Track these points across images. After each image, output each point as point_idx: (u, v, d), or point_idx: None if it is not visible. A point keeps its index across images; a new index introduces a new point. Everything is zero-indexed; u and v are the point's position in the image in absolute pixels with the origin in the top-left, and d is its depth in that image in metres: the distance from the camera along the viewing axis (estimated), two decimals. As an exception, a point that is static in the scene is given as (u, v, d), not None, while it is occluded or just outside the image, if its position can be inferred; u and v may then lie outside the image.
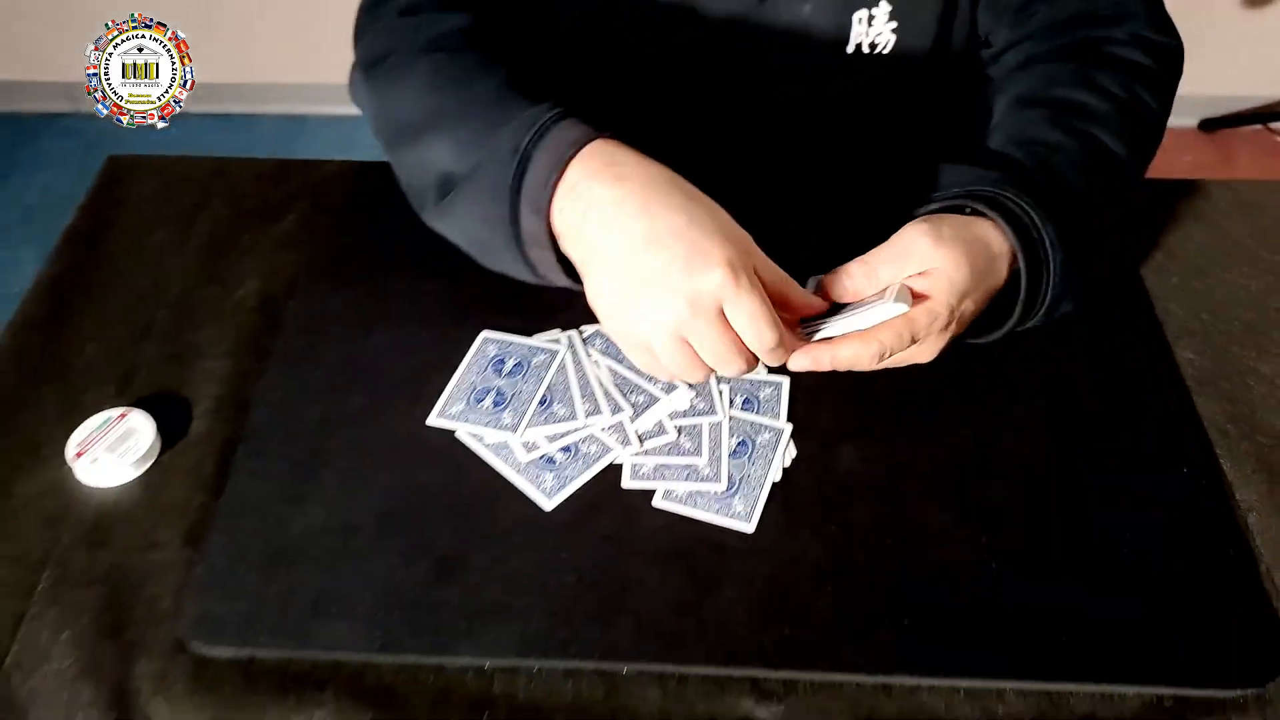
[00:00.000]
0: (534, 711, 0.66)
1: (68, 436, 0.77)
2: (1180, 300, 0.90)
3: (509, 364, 0.81)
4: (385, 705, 0.66)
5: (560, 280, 0.75)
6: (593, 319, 0.74)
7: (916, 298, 0.73)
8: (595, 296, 0.71)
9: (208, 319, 0.88)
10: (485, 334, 0.84)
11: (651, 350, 0.69)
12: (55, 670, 0.67)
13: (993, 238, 0.77)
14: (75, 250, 0.93)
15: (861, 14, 0.94)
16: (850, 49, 0.96)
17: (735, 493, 0.74)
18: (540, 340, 0.83)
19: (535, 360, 0.81)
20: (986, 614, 0.69)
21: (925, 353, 0.75)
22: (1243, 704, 0.67)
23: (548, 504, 0.74)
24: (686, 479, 0.75)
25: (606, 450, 0.77)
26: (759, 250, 0.71)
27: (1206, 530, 0.74)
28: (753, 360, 0.70)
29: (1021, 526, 0.73)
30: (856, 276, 0.73)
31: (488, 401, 0.79)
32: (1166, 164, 0.96)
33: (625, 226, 0.68)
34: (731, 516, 0.73)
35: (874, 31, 0.95)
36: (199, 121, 2.63)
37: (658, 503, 0.74)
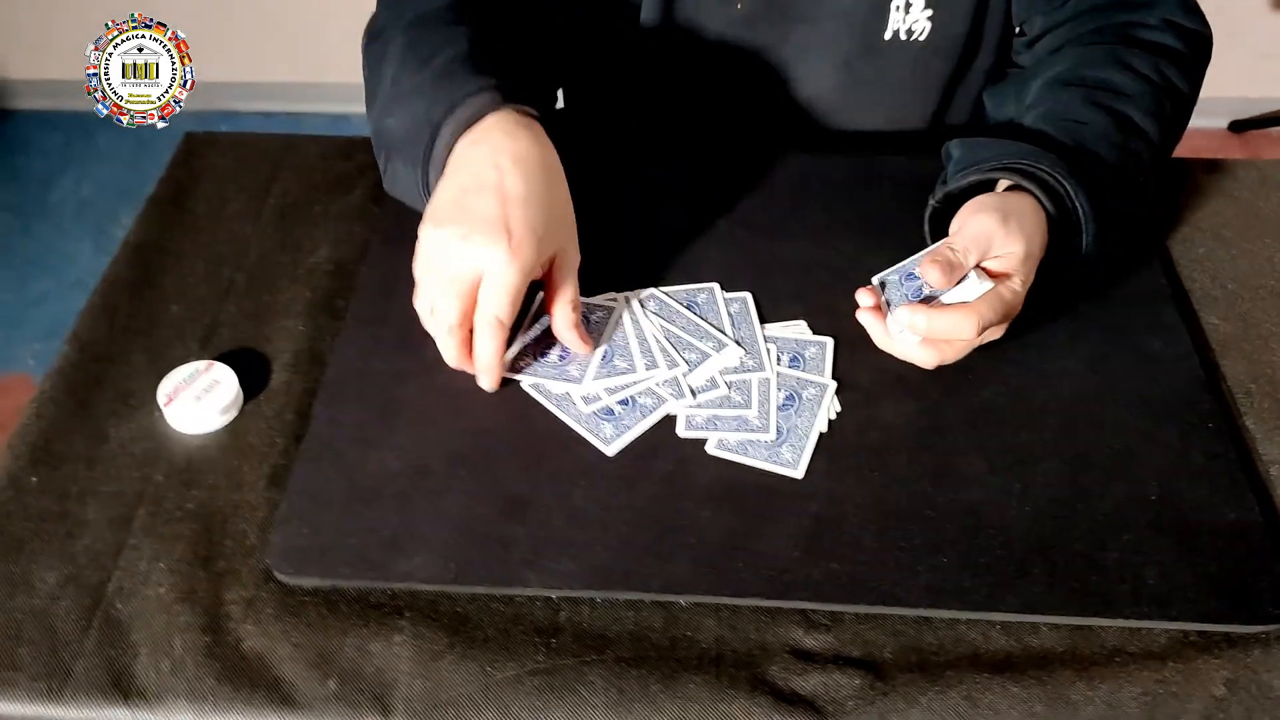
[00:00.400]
0: (598, 638, 0.71)
1: (157, 386, 0.82)
2: (1206, 270, 0.94)
3: None
4: (459, 631, 0.71)
5: None
6: (646, 283, 0.81)
7: (994, 276, 0.78)
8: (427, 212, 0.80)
9: (283, 282, 0.93)
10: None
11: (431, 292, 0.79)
12: (154, 595, 0.72)
13: (1037, 211, 0.82)
14: (158, 217, 0.99)
15: (900, 1, 0.98)
16: (888, 35, 1.00)
17: (783, 442, 0.79)
18: (599, 299, 0.88)
19: (594, 318, 0.86)
20: (1020, 553, 0.73)
21: (1000, 330, 0.81)
22: (1264, 639, 0.71)
23: (609, 450, 0.79)
24: (737, 429, 0.80)
25: (662, 402, 0.81)
26: (573, 265, 0.82)
27: (1230, 481, 0.78)
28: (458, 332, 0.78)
29: (1052, 473, 0.78)
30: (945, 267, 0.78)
31: (553, 355, 0.84)
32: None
33: (460, 173, 0.78)
34: (780, 464, 0.78)
35: (910, 19, 1.00)
36: (197, 118, 2.70)
37: (711, 450, 0.79)
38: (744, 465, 0.78)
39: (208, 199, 1.01)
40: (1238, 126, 2.71)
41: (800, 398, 0.82)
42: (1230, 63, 2.56)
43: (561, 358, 0.84)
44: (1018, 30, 1.05)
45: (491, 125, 0.80)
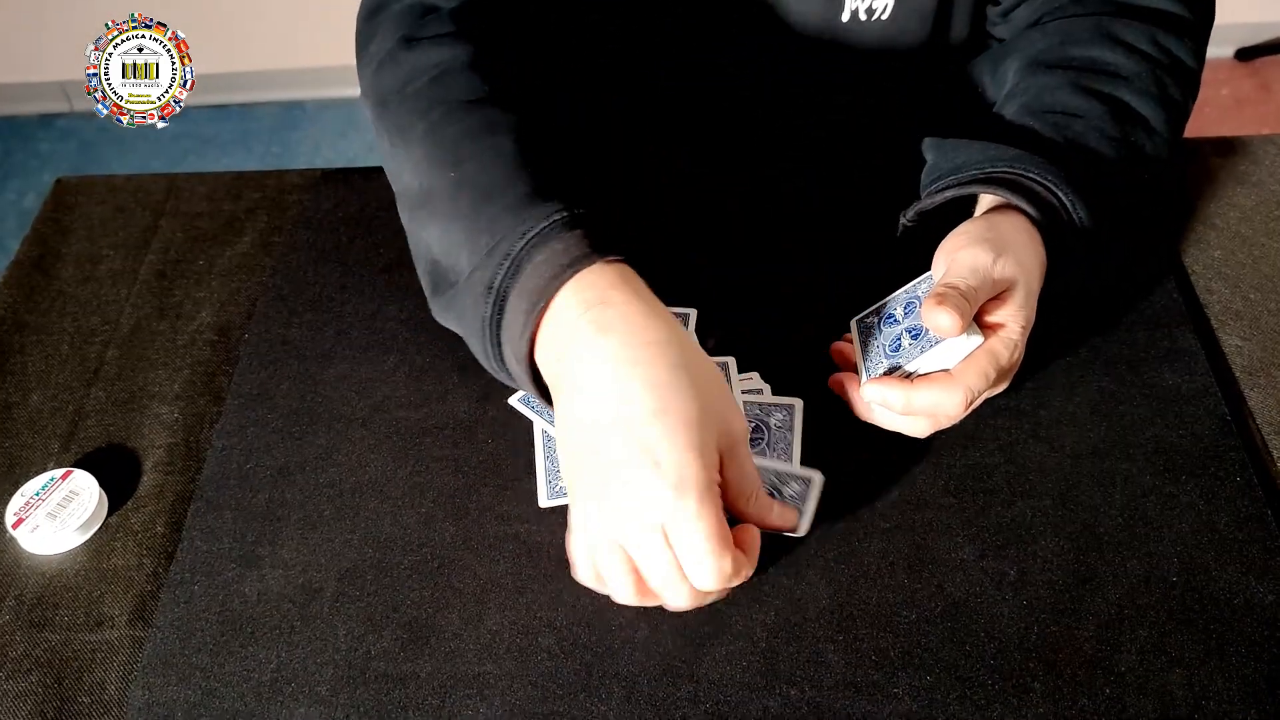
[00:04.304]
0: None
1: (9, 500, 0.71)
2: (1224, 277, 0.81)
3: None
4: (353, 794, 0.60)
5: None
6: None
7: (987, 328, 0.65)
8: (563, 470, 0.61)
9: (159, 356, 0.81)
10: None
11: (595, 552, 0.58)
12: (-7, 771, 0.61)
13: (1032, 236, 0.69)
14: (20, 284, 0.87)
15: None
16: (845, 16, 0.87)
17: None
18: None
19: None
20: (1018, 662, 0.61)
21: (1002, 384, 0.67)
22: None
23: (544, 500, 0.69)
24: None
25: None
26: (744, 445, 0.59)
27: (1265, 551, 0.65)
28: (697, 596, 0.57)
29: (1053, 554, 0.66)
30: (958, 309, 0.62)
31: None
32: (1202, 99, 0.85)
33: (597, 394, 0.57)
34: None
35: None
36: (196, 114, 2.57)
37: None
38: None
39: (77, 259, 0.89)
40: (1245, 54, 2.54)
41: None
42: (1235, -14, 2.42)
43: None
44: None
45: (597, 299, 0.59)
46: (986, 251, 0.66)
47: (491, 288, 0.61)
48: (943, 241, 0.69)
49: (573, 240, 0.60)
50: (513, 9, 0.80)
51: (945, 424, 0.67)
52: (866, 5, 0.87)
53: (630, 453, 0.54)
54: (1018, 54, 0.84)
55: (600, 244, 0.60)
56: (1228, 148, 0.91)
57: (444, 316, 0.68)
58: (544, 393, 0.62)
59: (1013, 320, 0.65)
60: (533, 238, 0.60)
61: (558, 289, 0.59)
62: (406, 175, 0.70)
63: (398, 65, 0.74)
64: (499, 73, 0.73)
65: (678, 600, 0.56)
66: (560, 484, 0.69)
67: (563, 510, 0.68)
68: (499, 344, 0.62)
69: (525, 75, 0.76)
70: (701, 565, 0.54)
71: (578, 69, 0.96)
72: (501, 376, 0.65)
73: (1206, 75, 0.83)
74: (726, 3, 0.88)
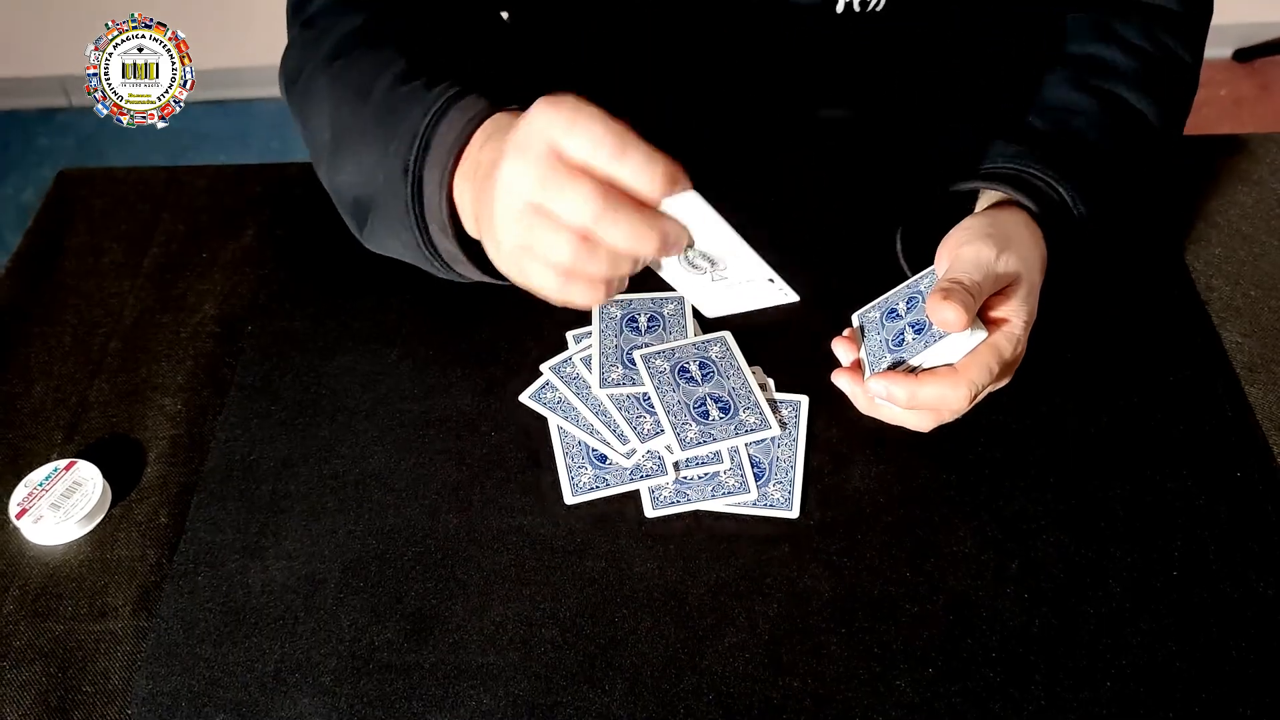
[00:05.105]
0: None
1: (12, 489, 0.71)
2: (1224, 274, 0.81)
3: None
4: (357, 784, 0.60)
5: (488, 280, 0.65)
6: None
7: (990, 323, 0.65)
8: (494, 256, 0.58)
9: (162, 348, 0.81)
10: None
11: (532, 250, 0.53)
12: (-2, 759, 0.61)
13: (1034, 231, 0.69)
14: (23, 276, 0.87)
15: None
16: (840, 8, 0.87)
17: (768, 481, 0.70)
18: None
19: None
20: (1019, 657, 0.61)
21: (1005, 378, 0.67)
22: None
23: (570, 497, 0.70)
24: (714, 495, 0.69)
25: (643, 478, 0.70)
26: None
27: (1265, 547, 0.66)
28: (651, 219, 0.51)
29: (1055, 548, 0.66)
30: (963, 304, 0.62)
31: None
32: (1202, 99, 0.86)
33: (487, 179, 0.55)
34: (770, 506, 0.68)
35: None
36: (195, 110, 2.56)
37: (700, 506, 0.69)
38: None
39: (80, 252, 0.89)
40: (1244, 55, 2.54)
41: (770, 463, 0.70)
42: (1233, -14, 2.42)
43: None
44: None
45: (487, 138, 0.59)
46: (990, 247, 0.66)
47: (407, 170, 0.61)
48: (945, 237, 0.69)
49: (470, 101, 0.61)
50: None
51: (949, 418, 0.67)
52: None
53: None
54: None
55: (499, 101, 0.61)
56: (1229, 146, 0.92)
57: (375, 240, 0.68)
58: (473, 259, 0.62)
59: (1016, 315, 0.65)
60: (433, 114, 0.61)
61: (461, 152, 0.60)
62: (322, 133, 0.70)
63: (300, 45, 0.75)
64: (395, 28, 0.73)
65: (625, 228, 0.50)
66: (583, 479, 0.70)
67: (572, 507, 0.69)
68: (424, 223, 0.62)
69: (422, 32, 0.75)
70: (610, 144, 0.50)
71: (566, 62, 0.96)
72: (437, 267, 0.65)
73: (1205, 75, 0.83)
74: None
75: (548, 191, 0.50)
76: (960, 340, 0.63)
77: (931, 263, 0.69)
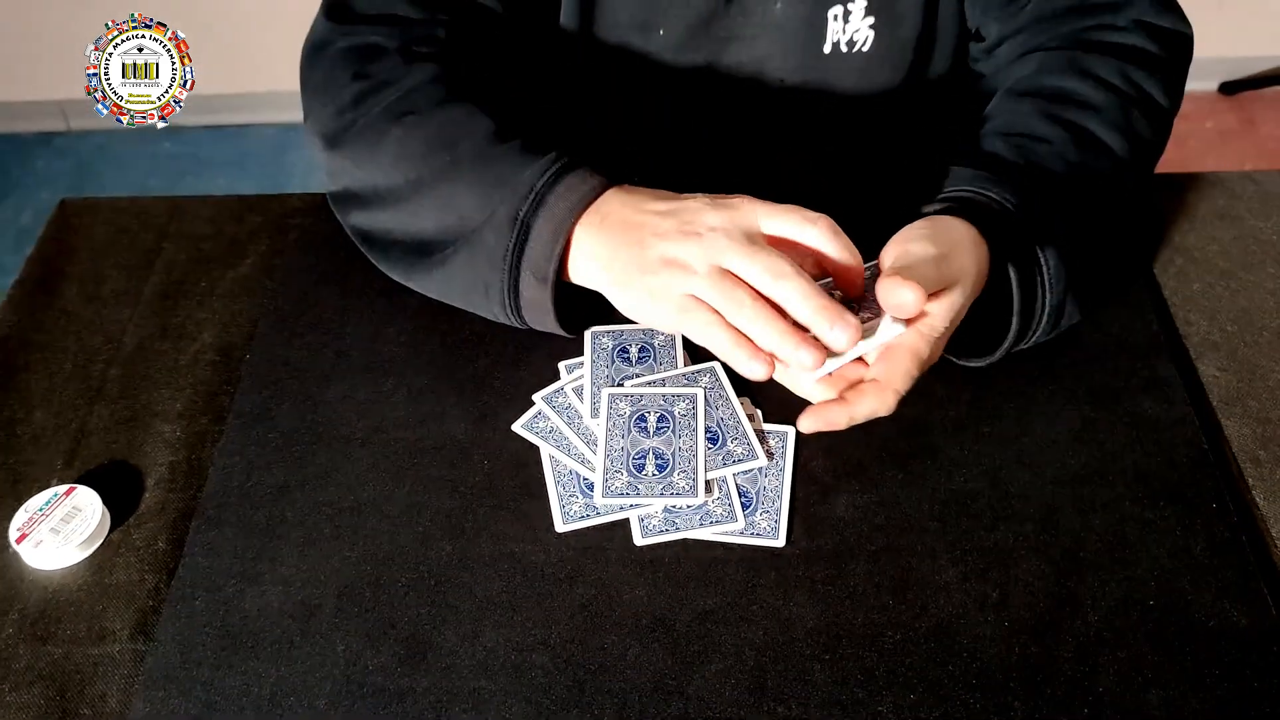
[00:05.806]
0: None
1: (12, 514, 0.72)
2: (1202, 309, 0.83)
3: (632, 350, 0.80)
4: (350, 806, 0.61)
5: (556, 331, 0.76)
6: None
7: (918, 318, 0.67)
8: (620, 298, 0.72)
9: (162, 376, 0.82)
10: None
11: (697, 297, 0.67)
12: (-5, 781, 0.62)
13: (977, 243, 0.71)
14: (24, 304, 0.88)
15: (836, 10, 0.87)
16: (827, 49, 0.90)
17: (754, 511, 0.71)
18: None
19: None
20: (999, 680, 0.63)
21: (930, 362, 0.69)
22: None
23: (561, 525, 0.71)
24: (702, 524, 0.70)
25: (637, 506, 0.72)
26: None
27: (1239, 576, 0.67)
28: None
29: (1034, 576, 0.67)
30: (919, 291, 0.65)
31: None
32: (1187, 131, 0.88)
33: (629, 228, 0.71)
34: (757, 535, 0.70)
35: (851, 28, 0.89)
36: (194, 134, 2.59)
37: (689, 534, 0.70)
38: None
39: (81, 280, 0.90)
40: (1229, 88, 2.58)
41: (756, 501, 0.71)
42: (1220, 22, 2.45)
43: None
44: (974, 31, 0.94)
45: (595, 212, 0.73)
46: (936, 248, 0.67)
47: (516, 218, 0.71)
48: (891, 240, 0.69)
49: (577, 187, 0.72)
50: (463, 43, 0.84)
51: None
52: (848, 37, 0.89)
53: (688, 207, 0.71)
54: (1002, 86, 0.87)
55: (607, 176, 0.73)
56: (1207, 184, 0.94)
57: (428, 278, 0.77)
58: (560, 312, 0.74)
59: (940, 318, 0.67)
60: (550, 175, 0.72)
61: (577, 219, 0.71)
62: (388, 177, 0.76)
63: (354, 97, 0.78)
64: (459, 85, 0.79)
65: (788, 285, 0.64)
66: (574, 508, 0.71)
67: (563, 534, 0.70)
68: (518, 271, 0.72)
69: (484, 90, 0.81)
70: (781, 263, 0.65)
71: (554, 103, 0.99)
72: (496, 311, 0.76)
73: (1190, 109, 0.85)
74: (708, 32, 0.90)
75: (731, 255, 0.67)
76: (885, 328, 0.65)
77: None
